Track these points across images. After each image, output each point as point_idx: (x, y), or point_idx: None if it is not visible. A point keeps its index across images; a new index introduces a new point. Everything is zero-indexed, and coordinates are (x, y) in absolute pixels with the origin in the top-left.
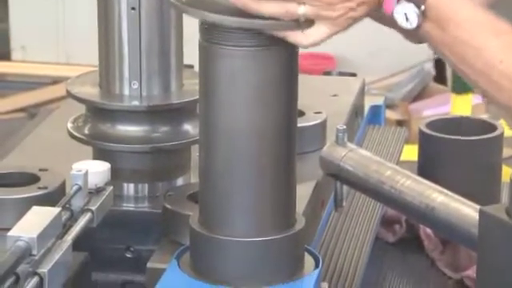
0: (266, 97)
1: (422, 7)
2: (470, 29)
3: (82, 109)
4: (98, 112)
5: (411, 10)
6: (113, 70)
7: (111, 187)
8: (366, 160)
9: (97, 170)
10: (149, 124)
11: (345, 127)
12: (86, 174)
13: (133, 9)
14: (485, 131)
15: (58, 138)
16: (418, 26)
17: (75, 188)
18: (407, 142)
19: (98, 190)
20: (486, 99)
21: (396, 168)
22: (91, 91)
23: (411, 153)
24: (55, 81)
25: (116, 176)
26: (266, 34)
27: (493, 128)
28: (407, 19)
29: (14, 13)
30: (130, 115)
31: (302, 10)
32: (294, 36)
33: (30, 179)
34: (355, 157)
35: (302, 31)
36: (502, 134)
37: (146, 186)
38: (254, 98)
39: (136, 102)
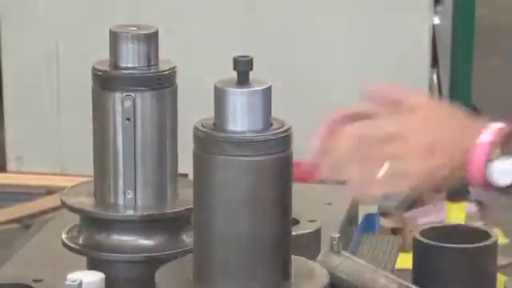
0: (260, 205)
1: None
2: None
3: (77, 219)
4: (92, 222)
5: (508, 164)
6: (107, 180)
7: None
8: (361, 268)
9: (91, 280)
10: (143, 233)
11: (339, 235)
12: (81, 284)
13: (128, 119)
14: (479, 239)
15: (52, 249)
16: None
17: None
18: (402, 250)
19: None
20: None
21: (391, 276)
22: (85, 201)
23: (406, 261)
24: (50, 191)
25: (110, 286)
26: (259, 143)
27: (487, 236)
28: (504, 174)
29: (9, 124)
30: (124, 225)
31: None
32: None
33: None
34: (350, 265)
35: None
36: (497, 241)
37: None
38: (247, 206)
39: (130, 212)
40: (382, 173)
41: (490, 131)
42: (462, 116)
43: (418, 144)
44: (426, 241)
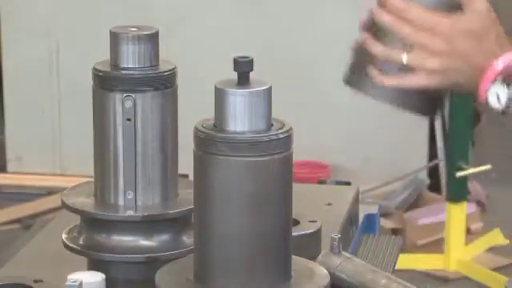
0: (260, 205)
1: None
2: None
3: (77, 219)
4: (92, 222)
5: (504, 92)
6: (108, 180)
7: None
8: (361, 269)
9: (91, 281)
10: (144, 234)
11: (339, 236)
12: (81, 284)
13: (128, 120)
14: None
15: (53, 249)
16: (508, 107)
17: None
18: (402, 250)
19: None
20: None
21: (391, 277)
22: (86, 202)
23: (406, 261)
24: (50, 192)
25: (110, 286)
26: (260, 144)
27: None
28: (498, 100)
29: (9, 124)
30: (124, 225)
31: (405, 59)
32: (392, 78)
33: None
34: (350, 266)
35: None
36: None
37: None
38: (248, 206)
39: (131, 212)
40: (404, 58)
41: (502, 60)
42: (496, 32)
43: (444, 44)
44: None
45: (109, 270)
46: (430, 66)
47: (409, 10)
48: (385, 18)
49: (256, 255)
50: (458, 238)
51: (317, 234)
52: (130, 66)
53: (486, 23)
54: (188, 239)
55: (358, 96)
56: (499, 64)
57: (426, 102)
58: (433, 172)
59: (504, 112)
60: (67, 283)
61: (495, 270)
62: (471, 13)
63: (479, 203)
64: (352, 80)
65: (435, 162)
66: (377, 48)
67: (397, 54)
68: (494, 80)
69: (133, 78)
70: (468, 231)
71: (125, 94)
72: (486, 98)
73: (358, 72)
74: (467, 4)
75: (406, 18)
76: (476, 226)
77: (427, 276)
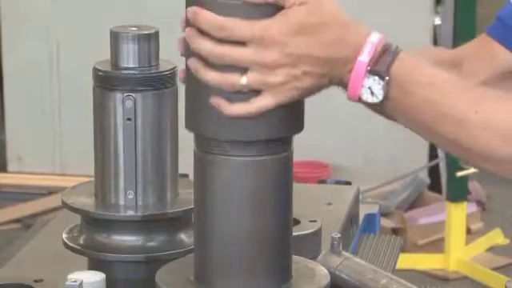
0: (261, 205)
1: (387, 78)
2: (438, 87)
3: (78, 219)
4: (92, 222)
5: (375, 83)
6: (108, 180)
7: None
8: (362, 268)
9: (92, 281)
10: (144, 233)
11: (340, 235)
12: (81, 284)
13: (128, 119)
14: None
15: (53, 249)
16: (384, 98)
17: None
18: (403, 250)
19: None
20: (460, 157)
21: (391, 276)
22: (86, 201)
23: (406, 261)
24: (51, 191)
25: (111, 286)
26: (260, 143)
27: None
28: (372, 93)
29: (10, 124)
30: (124, 225)
31: (244, 81)
32: (237, 106)
33: None
34: (350, 265)
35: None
36: None
37: None
38: (248, 206)
39: (131, 212)
40: (243, 81)
41: (367, 50)
42: (340, 22)
43: (279, 52)
44: None
45: (109, 269)
46: (273, 81)
47: (224, 26)
48: (204, 46)
49: (256, 255)
50: (458, 237)
51: (317, 234)
52: (130, 66)
53: (316, 12)
54: (188, 239)
55: None
56: (364, 55)
57: (284, 121)
58: (433, 172)
59: (381, 104)
60: (67, 283)
61: (495, 269)
62: (293, 7)
63: (479, 203)
64: (192, 123)
65: (435, 161)
66: (208, 75)
67: (233, 78)
68: (364, 75)
69: (133, 78)
70: (468, 231)
71: (125, 94)
72: (359, 96)
73: (196, 111)
74: (283, 1)
75: (226, 35)
76: (476, 225)
77: (427, 276)
